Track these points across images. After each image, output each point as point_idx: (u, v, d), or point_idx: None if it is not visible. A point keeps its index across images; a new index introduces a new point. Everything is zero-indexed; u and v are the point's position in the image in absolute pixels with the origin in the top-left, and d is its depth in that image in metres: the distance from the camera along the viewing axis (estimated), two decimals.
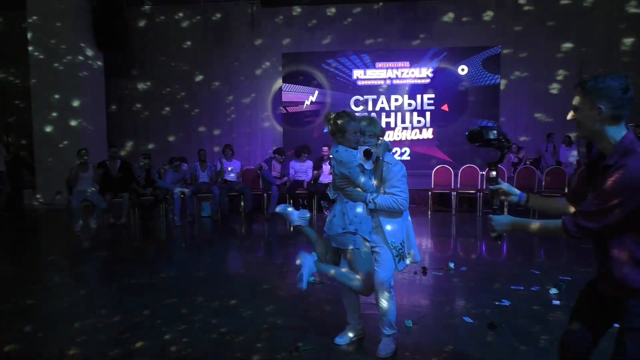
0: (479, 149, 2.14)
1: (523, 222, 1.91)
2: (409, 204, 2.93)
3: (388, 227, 2.91)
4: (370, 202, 2.86)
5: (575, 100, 1.78)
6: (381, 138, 3.02)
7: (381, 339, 3.02)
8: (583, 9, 10.52)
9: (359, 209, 2.87)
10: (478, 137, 2.06)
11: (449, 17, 10.98)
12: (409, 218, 3.04)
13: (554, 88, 10.71)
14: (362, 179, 2.85)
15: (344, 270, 2.98)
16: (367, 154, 2.84)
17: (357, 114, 7.58)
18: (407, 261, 2.98)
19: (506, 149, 2.06)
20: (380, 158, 2.91)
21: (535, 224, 1.87)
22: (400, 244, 2.93)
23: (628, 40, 10.38)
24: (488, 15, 10.89)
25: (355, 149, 2.88)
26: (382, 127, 3.03)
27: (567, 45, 10.63)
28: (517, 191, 2.08)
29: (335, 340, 3.15)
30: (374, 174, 2.92)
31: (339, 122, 2.86)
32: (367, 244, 2.90)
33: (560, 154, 9.97)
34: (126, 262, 5.75)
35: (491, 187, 2.05)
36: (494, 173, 2.04)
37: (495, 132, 2.03)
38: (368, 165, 2.87)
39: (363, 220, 2.87)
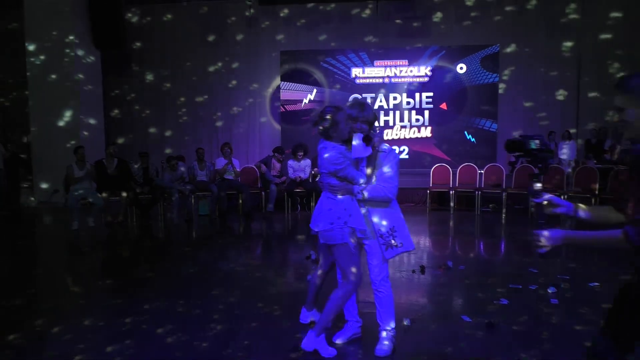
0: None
1: (576, 235, 1.78)
2: (397, 191, 2.88)
3: (375, 216, 2.89)
4: (359, 193, 2.84)
5: (619, 101, 1.70)
6: (376, 126, 2.99)
7: (379, 338, 3.01)
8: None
9: (348, 201, 2.85)
10: (518, 147, 1.96)
11: (448, 15, 10.98)
12: (396, 206, 2.98)
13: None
14: (353, 174, 2.83)
15: (333, 298, 2.92)
16: (367, 140, 2.83)
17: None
18: (400, 249, 2.91)
19: (550, 160, 1.98)
20: (377, 148, 2.89)
21: (590, 236, 1.73)
22: (388, 232, 2.89)
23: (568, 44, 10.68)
24: (487, 13, 10.88)
25: (347, 140, 2.87)
26: (374, 111, 2.97)
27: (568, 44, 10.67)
28: (565, 202, 1.93)
29: (333, 338, 3.13)
30: (369, 163, 2.89)
31: (329, 117, 2.85)
32: (356, 235, 2.89)
33: (559, 152, 9.96)
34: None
35: (536, 200, 1.90)
36: (539, 185, 1.89)
37: (537, 141, 1.94)
38: (367, 152, 2.84)
39: (352, 212, 2.85)
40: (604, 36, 10.53)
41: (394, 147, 3.05)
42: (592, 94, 10.61)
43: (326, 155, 2.84)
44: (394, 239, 2.90)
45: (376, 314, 3.03)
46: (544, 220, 1.88)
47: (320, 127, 2.88)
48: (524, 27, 10.71)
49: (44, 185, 10.23)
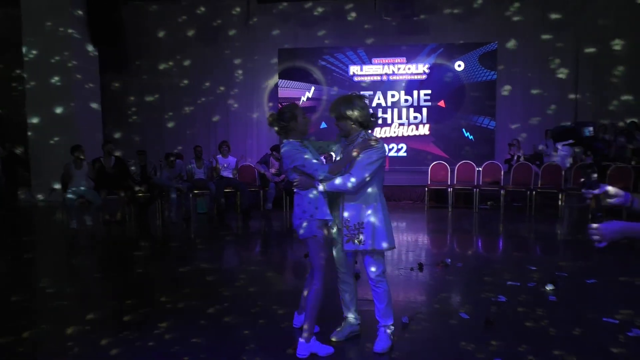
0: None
1: (637, 227, 1.66)
2: (358, 185, 2.79)
3: (347, 209, 2.89)
4: (318, 185, 2.83)
5: None
6: (373, 118, 2.96)
7: (377, 335, 3.01)
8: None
9: (311, 195, 2.85)
10: (571, 134, 1.83)
11: (446, 13, 10.97)
12: (377, 205, 2.89)
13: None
14: (310, 165, 2.82)
15: (308, 308, 2.93)
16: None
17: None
18: (360, 247, 2.87)
19: (605, 150, 1.88)
20: (357, 148, 2.86)
21: None
22: (355, 226, 2.87)
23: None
24: (485, 11, 10.87)
25: (305, 134, 2.95)
26: (361, 104, 2.88)
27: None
28: (622, 192, 1.77)
29: (331, 336, 3.13)
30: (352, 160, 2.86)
31: (287, 112, 2.90)
32: (327, 226, 2.90)
33: (558, 150, 9.95)
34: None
35: (593, 192, 1.74)
36: (595, 175, 1.74)
37: (591, 128, 1.79)
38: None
39: (318, 204, 2.85)
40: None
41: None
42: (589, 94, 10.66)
43: (283, 149, 2.90)
44: (359, 235, 2.88)
45: (375, 311, 3.03)
46: (601, 213, 1.73)
47: (277, 125, 2.91)
48: (523, 24, 10.71)
49: (42, 185, 10.20)
